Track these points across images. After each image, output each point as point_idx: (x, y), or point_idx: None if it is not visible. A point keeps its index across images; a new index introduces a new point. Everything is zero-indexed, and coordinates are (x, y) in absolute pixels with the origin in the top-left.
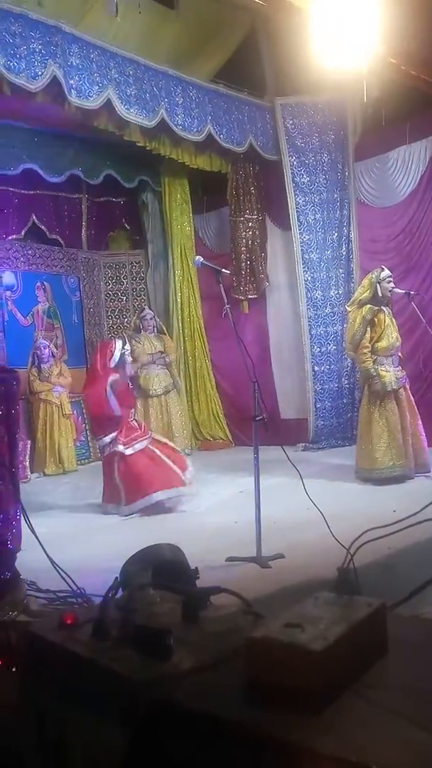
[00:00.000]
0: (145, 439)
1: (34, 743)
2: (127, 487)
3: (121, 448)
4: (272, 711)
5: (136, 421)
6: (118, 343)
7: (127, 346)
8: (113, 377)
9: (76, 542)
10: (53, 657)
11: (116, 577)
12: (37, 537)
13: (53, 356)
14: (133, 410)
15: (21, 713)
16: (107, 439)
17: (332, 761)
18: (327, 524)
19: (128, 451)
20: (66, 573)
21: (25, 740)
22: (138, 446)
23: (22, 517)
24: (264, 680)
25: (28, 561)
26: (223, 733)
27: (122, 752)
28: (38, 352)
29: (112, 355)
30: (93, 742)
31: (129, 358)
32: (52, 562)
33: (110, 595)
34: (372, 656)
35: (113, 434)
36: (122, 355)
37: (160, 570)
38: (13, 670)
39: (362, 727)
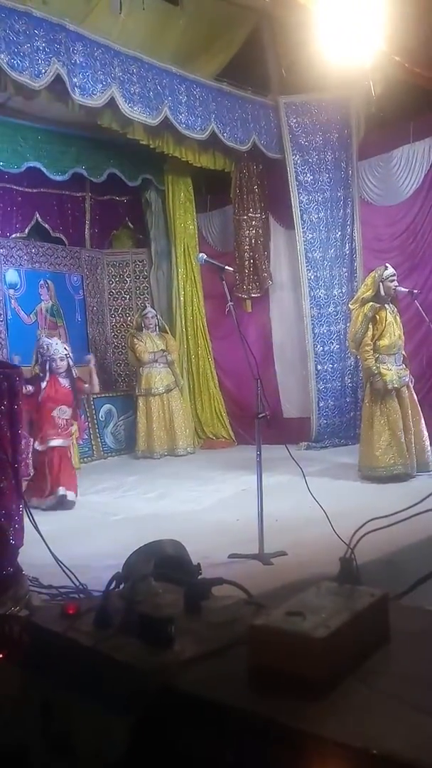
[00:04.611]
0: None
1: (39, 734)
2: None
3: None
4: (275, 697)
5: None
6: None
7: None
8: None
9: (78, 539)
10: (56, 647)
11: (117, 572)
12: (39, 532)
13: None
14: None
15: (25, 704)
16: None
17: (336, 746)
18: (329, 522)
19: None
20: (68, 568)
21: (30, 731)
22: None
23: (25, 513)
24: (266, 668)
25: (30, 557)
26: (226, 719)
27: (126, 740)
28: (41, 350)
29: None
30: (97, 731)
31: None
32: (55, 557)
33: (112, 586)
34: (374, 645)
35: None
36: None
37: (163, 565)
38: (16, 662)
39: (365, 713)
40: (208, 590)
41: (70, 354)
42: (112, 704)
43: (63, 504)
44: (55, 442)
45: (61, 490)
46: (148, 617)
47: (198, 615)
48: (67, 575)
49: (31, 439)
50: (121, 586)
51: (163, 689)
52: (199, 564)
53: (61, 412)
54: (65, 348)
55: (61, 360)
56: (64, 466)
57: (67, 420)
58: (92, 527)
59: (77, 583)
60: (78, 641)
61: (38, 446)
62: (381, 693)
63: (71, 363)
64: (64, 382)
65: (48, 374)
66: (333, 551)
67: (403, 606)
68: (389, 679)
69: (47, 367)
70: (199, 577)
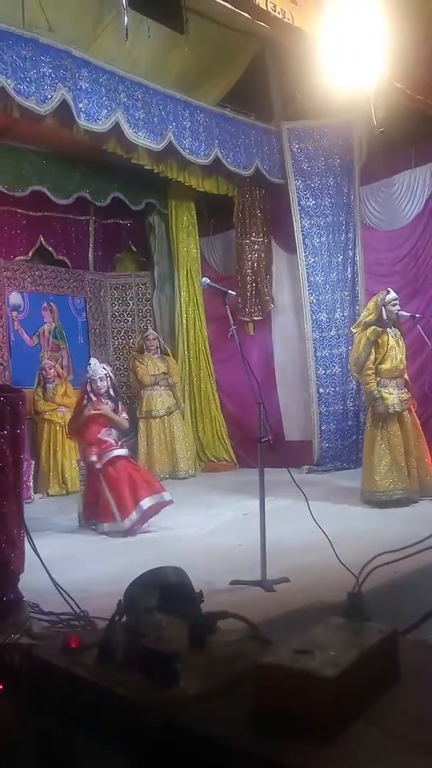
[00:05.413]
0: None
1: (37, 766)
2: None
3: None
4: (282, 739)
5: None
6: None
7: None
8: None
9: (79, 564)
10: (58, 681)
11: (119, 600)
12: (40, 559)
13: (59, 376)
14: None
15: (24, 737)
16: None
17: None
18: (333, 548)
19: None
20: (69, 595)
21: (28, 764)
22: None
23: (26, 539)
24: (273, 707)
25: (31, 582)
26: (231, 760)
27: None
28: (44, 372)
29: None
30: (98, 767)
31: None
32: (56, 583)
33: (116, 618)
34: (384, 683)
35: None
36: None
37: (165, 593)
38: (16, 693)
39: (375, 757)
40: (214, 624)
41: (110, 374)
42: (115, 741)
43: (148, 514)
44: (118, 452)
45: (147, 501)
46: (154, 653)
47: (203, 650)
48: (68, 602)
49: (92, 458)
50: (124, 617)
51: (167, 727)
52: (201, 591)
53: (108, 434)
54: (104, 368)
55: (101, 381)
56: (138, 475)
57: (115, 439)
58: (93, 552)
59: (78, 610)
60: (81, 676)
61: (97, 463)
62: (390, 735)
63: (112, 383)
64: (108, 402)
65: (92, 396)
66: (336, 578)
67: (412, 642)
68: (399, 720)
69: (89, 388)
70: (202, 605)
